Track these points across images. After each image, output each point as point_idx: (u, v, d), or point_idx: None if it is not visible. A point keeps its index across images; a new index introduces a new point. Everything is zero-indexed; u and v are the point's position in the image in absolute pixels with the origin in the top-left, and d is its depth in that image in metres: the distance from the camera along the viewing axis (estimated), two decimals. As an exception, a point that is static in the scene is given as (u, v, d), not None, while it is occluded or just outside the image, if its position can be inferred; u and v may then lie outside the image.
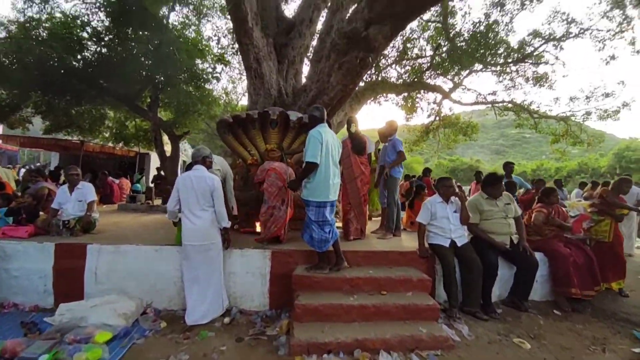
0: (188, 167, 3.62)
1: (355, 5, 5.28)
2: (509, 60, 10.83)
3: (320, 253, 3.38)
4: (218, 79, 9.13)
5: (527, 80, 11.60)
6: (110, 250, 3.61)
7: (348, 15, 6.10)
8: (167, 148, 9.78)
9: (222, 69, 9.17)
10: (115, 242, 3.69)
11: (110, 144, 12.38)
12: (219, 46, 9.33)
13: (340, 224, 4.62)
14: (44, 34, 7.71)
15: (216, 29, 9.02)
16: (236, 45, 10.06)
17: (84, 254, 3.58)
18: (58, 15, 7.54)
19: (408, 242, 4.32)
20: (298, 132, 5.12)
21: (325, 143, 3.17)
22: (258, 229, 4.53)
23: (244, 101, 16.82)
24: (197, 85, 8.51)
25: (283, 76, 7.39)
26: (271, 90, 6.88)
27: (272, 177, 3.90)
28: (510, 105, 11.93)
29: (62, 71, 7.53)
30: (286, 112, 5.20)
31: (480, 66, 11.46)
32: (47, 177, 5.24)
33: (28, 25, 7.23)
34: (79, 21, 7.60)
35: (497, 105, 12.12)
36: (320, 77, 5.43)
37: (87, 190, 4.23)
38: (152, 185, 11.83)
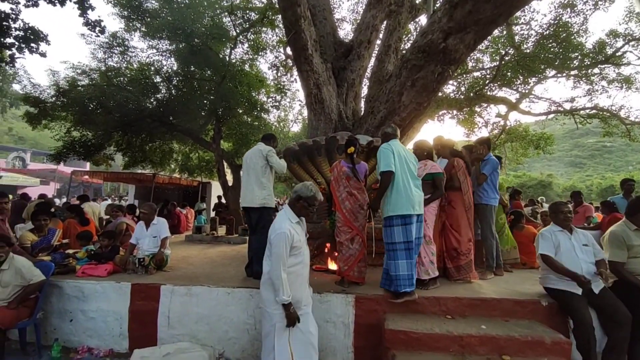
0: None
1: (429, 17, 4.81)
2: (587, 63, 9.49)
3: (394, 294, 3.03)
4: (277, 107, 9.20)
5: (610, 83, 10.09)
6: (182, 293, 3.43)
7: (421, 28, 5.67)
8: (229, 178, 9.95)
9: (281, 97, 9.20)
10: (186, 282, 3.53)
11: (176, 175, 13.05)
12: (278, 75, 9.45)
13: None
14: (123, 80, 8.38)
15: (274, 59, 9.17)
16: (289, 74, 10.18)
17: (157, 295, 3.46)
18: (135, 64, 8.17)
19: (519, 284, 3.52)
20: (367, 156, 4.70)
21: (397, 153, 3.10)
22: (332, 266, 4.07)
23: (295, 128, 17.16)
24: (256, 116, 8.58)
25: (343, 100, 7.12)
26: (331, 114, 6.62)
27: (346, 202, 3.48)
28: (594, 111, 10.38)
29: (139, 112, 8.03)
30: (354, 137, 4.81)
31: (553, 72, 10.24)
32: (126, 212, 5.32)
33: (110, 74, 7.90)
34: (152, 68, 8.16)
35: (577, 112, 10.63)
36: (390, 97, 5.03)
37: (161, 227, 4.19)
38: (213, 212, 12.12)
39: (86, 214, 5.04)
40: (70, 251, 4.04)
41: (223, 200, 10.16)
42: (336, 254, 4.12)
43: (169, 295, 3.43)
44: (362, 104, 8.19)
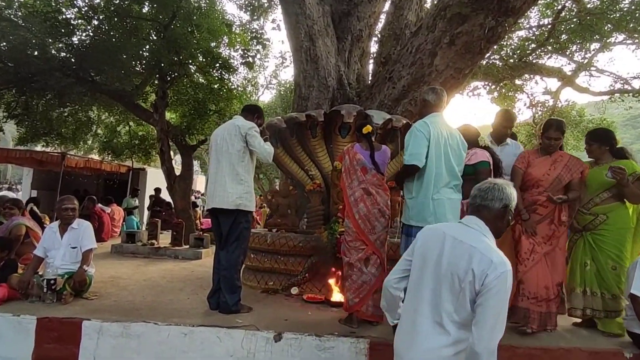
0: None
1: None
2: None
3: None
4: (251, 65, 8.91)
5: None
6: (115, 332, 3.23)
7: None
8: (176, 163, 9.66)
9: (259, 50, 8.94)
10: (120, 317, 3.35)
11: (95, 157, 12.55)
12: (253, 18, 9.16)
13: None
14: (18, 13, 7.87)
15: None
16: (263, 18, 9.90)
17: (78, 335, 3.21)
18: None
19: (592, 328, 3.52)
20: (382, 141, 4.68)
21: (435, 139, 3.05)
22: (337, 295, 4.03)
23: (265, 97, 16.89)
24: (219, 76, 8.30)
25: (344, 59, 7.05)
26: (328, 79, 6.56)
27: (359, 206, 3.38)
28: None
29: (43, 62, 7.57)
30: (365, 112, 4.73)
31: (622, 36, 10.54)
32: (24, 209, 5.00)
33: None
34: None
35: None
36: (418, 59, 5.00)
37: (84, 233, 4.04)
38: (148, 213, 11.77)
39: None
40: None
41: (167, 196, 9.83)
42: (334, 278, 4.05)
43: (94, 335, 3.21)
44: (371, 67, 8.13)
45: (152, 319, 3.33)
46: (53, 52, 8.08)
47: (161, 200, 11.43)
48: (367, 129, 3.47)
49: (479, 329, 1.69)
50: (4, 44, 7.64)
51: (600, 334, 3.41)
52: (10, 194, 8.32)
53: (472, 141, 3.57)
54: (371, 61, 8.34)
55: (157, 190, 11.53)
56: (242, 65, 8.79)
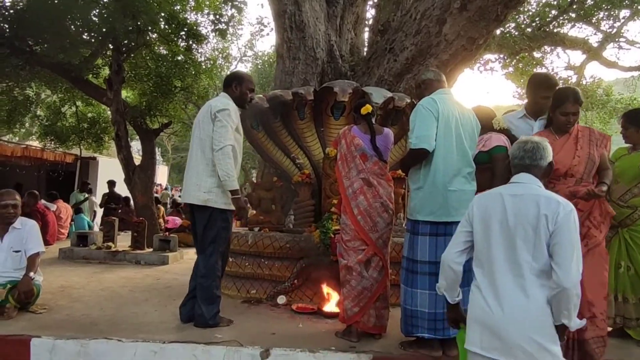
0: None
1: None
2: None
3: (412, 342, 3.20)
4: (224, 33, 8.83)
5: None
6: (70, 351, 3.22)
7: None
8: (135, 151, 9.54)
9: (233, 15, 8.86)
10: (76, 333, 3.35)
11: (35, 144, 12.33)
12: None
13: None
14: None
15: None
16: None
17: (25, 355, 3.21)
18: None
19: None
20: (383, 124, 4.75)
21: (445, 119, 3.09)
22: (328, 306, 4.08)
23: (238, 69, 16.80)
24: (185, 46, 8.22)
25: (336, 27, 7.06)
26: (317, 50, 6.60)
27: (359, 199, 3.41)
28: None
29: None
30: (363, 90, 4.77)
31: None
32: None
33: None
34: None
35: None
36: (424, 27, 5.05)
37: (29, 234, 3.98)
38: (98, 210, 11.65)
39: None
40: None
41: (124, 190, 9.74)
42: (328, 284, 4.10)
43: (46, 355, 3.21)
44: (367, 36, 8.16)
45: (114, 334, 3.33)
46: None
47: (116, 195, 11.36)
48: (367, 108, 3.50)
49: (561, 265, 1.97)
50: None
51: (635, 343, 3.48)
52: None
53: (486, 124, 3.62)
54: (367, 29, 8.37)
55: (111, 183, 11.44)
56: (213, 34, 8.70)
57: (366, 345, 3.27)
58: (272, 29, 15.56)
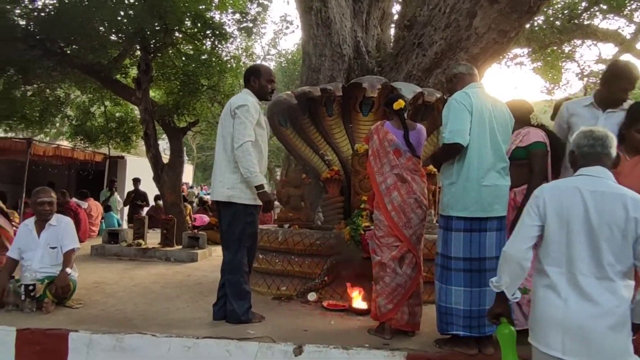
0: None
1: None
2: None
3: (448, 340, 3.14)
4: (250, 31, 8.88)
5: None
6: (107, 346, 3.26)
7: None
8: (164, 150, 9.64)
9: (258, 14, 8.89)
10: (111, 328, 3.39)
11: (65, 143, 12.59)
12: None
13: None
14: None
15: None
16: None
17: (64, 349, 3.25)
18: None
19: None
20: (412, 119, 4.69)
21: (478, 113, 3.04)
22: (358, 302, 4.05)
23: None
24: (212, 45, 8.28)
25: (362, 22, 7.02)
26: (343, 47, 6.57)
27: (392, 195, 3.38)
28: None
29: (3, 32, 7.55)
30: (391, 85, 4.73)
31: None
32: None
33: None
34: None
35: None
36: (453, 20, 5.00)
37: (64, 230, 4.08)
38: (123, 208, 11.82)
39: None
40: None
41: (152, 188, 9.88)
42: (358, 281, 4.07)
43: (83, 349, 3.24)
44: (392, 31, 8.09)
45: (148, 330, 3.36)
46: (16, 19, 8.05)
47: (141, 192, 11.52)
48: (399, 104, 3.46)
49: None
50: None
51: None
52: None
53: (520, 118, 3.54)
54: (392, 25, 8.30)
55: (136, 180, 11.61)
56: (238, 32, 8.73)
57: (400, 343, 3.23)
58: (297, 26, 15.65)
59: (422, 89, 4.73)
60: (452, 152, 3.06)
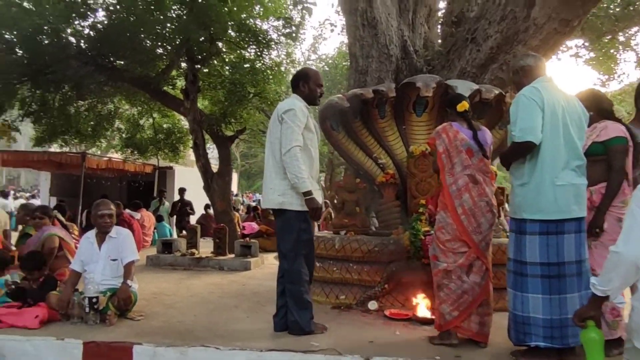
0: None
1: None
2: None
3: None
4: (294, 37, 8.88)
5: None
6: (171, 358, 3.27)
7: None
8: (212, 159, 9.73)
9: (302, 19, 8.87)
10: (174, 341, 3.40)
11: (117, 156, 12.98)
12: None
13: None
14: (31, -1, 8.14)
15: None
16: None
17: (128, 362, 3.31)
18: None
19: None
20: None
21: (550, 109, 2.91)
22: (423, 311, 3.93)
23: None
24: (257, 53, 8.32)
25: (408, 21, 6.87)
26: (390, 47, 6.44)
27: (463, 197, 3.26)
28: None
29: (58, 50, 7.83)
30: (446, 83, 4.57)
31: None
32: (54, 218, 5.20)
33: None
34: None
35: None
36: (509, 12, 4.78)
37: (124, 242, 4.14)
38: (171, 218, 12.04)
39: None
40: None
41: (198, 198, 10.02)
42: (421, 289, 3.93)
43: (148, 362, 3.30)
44: (440, 29, 7.89)
45: (211, 342, 3.36)
46: (69, 38, 8.33)
47: (186, 202, 11.77)
48: (464, 105, 3.38)
49: None
50: (15, 32, 7.94)
51: None
52: (35, 203, 8.75)
53: (603, 111, 3.31)
54: (439, 23, 8.11)
55: (182, 190, 11.87)
56: (282, 38, 8.73)
57: (472, 355, 3.11)
58: (342, 28, 15.57)
59: (479, 86, 4.55)
60: (523, 151, 2.94)
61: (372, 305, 4.12)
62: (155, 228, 10.37)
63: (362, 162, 4.98)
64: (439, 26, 8.06)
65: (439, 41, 7.65)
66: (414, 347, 3.25)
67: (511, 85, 3.72)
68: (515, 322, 2.98)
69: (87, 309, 3.75)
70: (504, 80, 4.94)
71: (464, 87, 4.54)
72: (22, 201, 13.57)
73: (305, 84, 3.61)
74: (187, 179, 13.24)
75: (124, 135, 12.41)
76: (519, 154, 2.98)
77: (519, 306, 2.95)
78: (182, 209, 11.74)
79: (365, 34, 6.38)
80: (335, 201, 4.89)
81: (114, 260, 4.07)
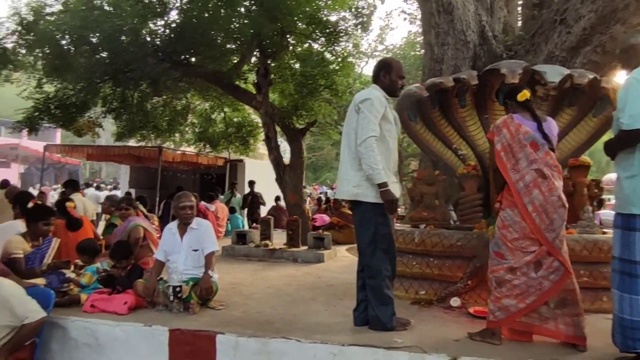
0: None
1: None
2: None
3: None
4: (366, 27, 8.78)
5: None
6: (253, 349, 3.31)
7: None
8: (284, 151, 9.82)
9: (374, 7, 8.76)
10: (256, 331, 3.43)
11: (190, 149, 13.45)
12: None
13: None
14: (111, 1, 8.52)
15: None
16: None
17: (212, 350, 3.37)
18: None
19: None
20: (556, 105, 4.21)
21: None
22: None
23: (371, 68, 16.45)
24: (327, 44, 8.27)
25: (486, 5, 6.57)
26: (467, 32, 6.21)
27: (533, 193, 3.07)
28: None
29: (137, 48, 8.15)
30: (532, 68, 4.30)
31: None
32: (138, 209, 5.45)
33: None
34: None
35: None
36: None
37: (204, 233, 4.21)
38: (242, 210, 12.29)
39: (72, 211, 5.07)
40: (70, 273, 4.16)
41: (270, 190, 10.17)
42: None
43: (230, 352, 3.32)
44: (519, 14, 7.51)
45: (291, 334, 3.35)
46: (146, 37, 8.66)
47: (256, 194, 12.01)
48: (524, 95, 3.18)
49: None
50: (98, 34, 8.35)
51: None
52: (118, 195, 9.26)
53: None
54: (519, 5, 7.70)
55: (252, 183, 12.11)
56: (354, 28, 8.61)
57: (571, 359, 2.90)
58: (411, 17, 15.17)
59: (571, 71, 4.23)
60: (633, 140, 2.71)
61: (455, 302, 3.96)
62: (228, 219, 10.64)
63: (442, 154, 4.82)
64: (519, 9, 7.66)
65: (519, 25, 7.29)
66: (503, 348, 3.06)
67: (621, 66, 3.42)
68: (623, 326, 2.75)
69: (171, 298, 3.85)
70: (599, 64, 4.58)
71: (554, 72, 4.26)
72: (107, 193, 14.38)
73: (387, 74, 3.50)
74: (257, 172, 13.53)
75: (197, 129, 12.80)
76: (627, 143, 2.75)
77: (627, 309, 2.72)
78: (253, 200, 12.01)
79: (440, 20, 6.19)
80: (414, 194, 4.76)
81: (195, 250, 4.15)
